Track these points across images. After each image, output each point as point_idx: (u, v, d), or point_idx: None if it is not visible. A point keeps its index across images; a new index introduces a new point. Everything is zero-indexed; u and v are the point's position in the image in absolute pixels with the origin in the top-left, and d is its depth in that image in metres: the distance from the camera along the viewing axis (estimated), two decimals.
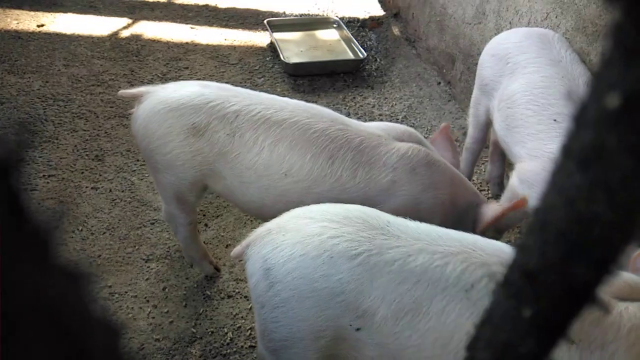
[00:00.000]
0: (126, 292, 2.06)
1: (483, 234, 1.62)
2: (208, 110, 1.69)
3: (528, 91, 1.87)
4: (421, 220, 1.36)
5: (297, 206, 1.37)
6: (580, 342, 1.04)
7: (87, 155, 2.65)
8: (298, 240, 1.19)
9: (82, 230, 2.28)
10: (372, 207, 1.48)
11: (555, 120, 1.76)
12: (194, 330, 1.95)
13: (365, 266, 1.13)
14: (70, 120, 2.85)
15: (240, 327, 1.98)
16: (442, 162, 1.75)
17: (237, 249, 1.34)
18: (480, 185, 2.62)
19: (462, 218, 1.74)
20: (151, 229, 2.30)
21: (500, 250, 1.18)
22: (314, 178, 1.66)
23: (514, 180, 1.88)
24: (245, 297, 2.07)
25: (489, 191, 2.56)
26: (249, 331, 1.96)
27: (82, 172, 2.56)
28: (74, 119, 2.86)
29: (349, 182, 1.66)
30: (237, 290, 2.10)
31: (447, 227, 1.67)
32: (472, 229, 1.70)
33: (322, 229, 1.19)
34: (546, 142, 1.76)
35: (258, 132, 1.67)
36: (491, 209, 1.72)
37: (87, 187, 2.48)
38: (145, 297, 2.04)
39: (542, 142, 1.77)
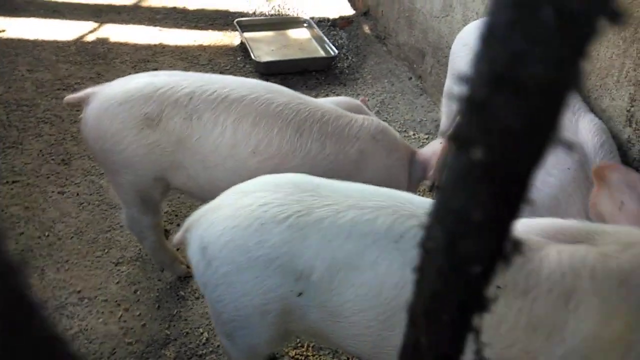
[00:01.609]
0: (96, 297, 1.98)
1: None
2: (159, 98, 1.61)
3: None
4: (394, 186, 1.36)
5: None
6: (505, 287, 1.06)
7: (53, 159, 2.57)
8: (230, 214, 1.18)
9: (48, 235, 2.20)
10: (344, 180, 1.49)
11: None
12: (168, 332, 1.89)
13: (295, 227, 1.13)
14: (35, 125, 2.77)
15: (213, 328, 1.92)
16: (389, 127, 1.83)
17: (177, 235, 1.32)
18: None
19: (411, 171, 1.82)
20: (121, 232, 2.23)
21: (429, 203, 1.15)
22: (284, 153, 1.62)
23: None
24: None
25: None
26: None
27: (48, 177, 2.47)
28: (38, 123, 2.78)
29: (318, 154, 1.64)
30: None
31: (409, 184, 1.82)
32: (422, 177, 1.82)
33: (252, 200, 1.19)
34: None
35: (217, 111, 1.60)
36: (430, 148, 1.82)
37: (53, 191, 2.40)
38: (116, 301, 1.98)
39: None
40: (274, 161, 1.62)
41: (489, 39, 0.21)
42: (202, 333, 1.89)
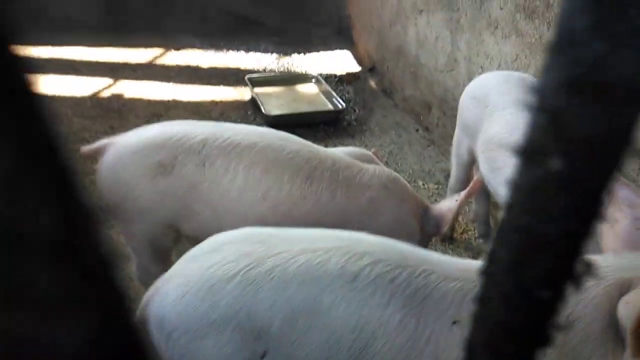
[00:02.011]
0: None
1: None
2: (172, 145, 1.63)
3: (508, 133, 1.90)
4: (404, 237, 1.35)
5: None
6: (460, 322, 1.05)
7: None
8: (181, 282, 1.15)
9: None
10: (355, 230, 1.48)
11: None
12: None
13: (245, 282, 1.10)
14: None
15: None
16: (401, 178, 1.83)
17: (137, 313, 1.26)
18: (467, 226, 2.61)
19: (424, 225, 1.80)
20: (130, 284, 2.19)
21: (384, 241, 1.18)
22: (294, 200, 1.62)
23: None
24: None
25: (475, 231, 2.55)
26: None
27: None
28: None
29: (329, 202, 1.64)
30: None
31: (420, 238, 1.80)
32: (435, 232, 1.80)
33: (200, 263, 1.16)
34: None
35: (230, 157, 1.61)
36: (446, 204, 1.79)
37: None
38: None
39: None
40: (284, 207, 1.62)
41: (564, 45, 0.21)
42: None
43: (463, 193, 1.76)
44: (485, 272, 0.34)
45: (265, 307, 1.09)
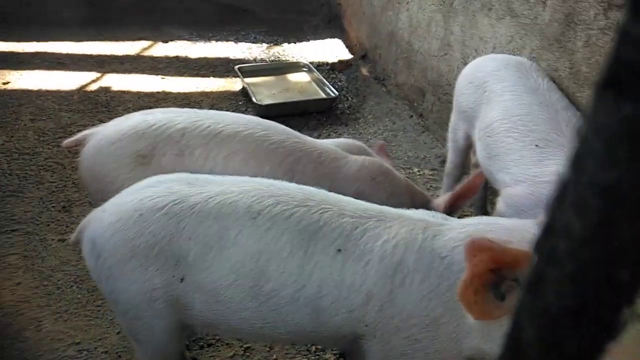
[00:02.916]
0: (96, 348, 1.88)
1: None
2: (151, 135, 1.59)
3: (506, 119, 1.86)
4: None
5: None
6: (345, 250, 1.22)
7: (53, 207, 2.52)
8: (115, 210, 1.31)
9: (47, 285, 2.12)
10: None
11: (537, 145, 1.75)
12: None
13: (171, 214, 1.26)
14: (35, 173, 2.74)
15: None
16: (394, 170, 1.80)
17: (72, 237, 1.42)
18: (463, 211, 2.58)
19: None
20: None
21: (293, 187, 1.34)
22: None
23: (501, 206, 1.85)
24: (227, 344, 1.92)
25: (472, 215, 2.51)
26: None
27: (48, 225, 2.42)
28: (39, 171, 2.75)
29: None
30: (217, 338, 1.95)
31: None
32: None
33: (134, 196, 1.31)
34: (530, 167, 1.74)
35: (209, 146, 1.57)
36: (443, 198, 1.78)
37: (53, 239, 2.34)
38: (117, 352, 1.87)
39: (527, 166, 1.76)
40: None
41: None
42: None
43: (461, 185, 1.70)
44: (541, 249, 0.28)
45: (186, 237, 1.25)
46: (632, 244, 0.25)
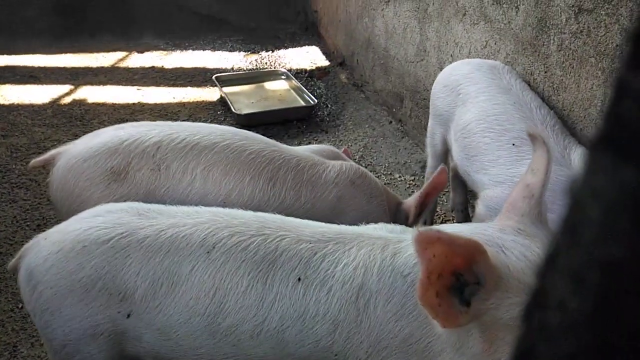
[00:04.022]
0: None
1: (416, 223, 1.77)
2: (124, 150, 1.55)
3: (482, 119, 1.88)
4: None
5: None
6: (306, 279, 1.17)
7: (27, 225, 2.45)
8: (57, 239, 1.23)
9: (22, 307, 2.05)
10: None
11: (513, 144, 1.77)
12: None
13: (117, 248, 1.19)
14: (9, 190, 2.66)
15: None
16: (369, 173, 1.81)
17: (11, 263, 1.34)
18: (445, 215, 2.59)
19: (396, 220, 1.78)
20: None
21: (250, 215, 1.29)
22: (257, 203, 1.56)
23: (480, 209, 1.86)
24: None
25: (454, 220, 2.53)
26: None
27: (22, 244, 2.33)
28: (12, 189, 2.67)
29: (294, 203, 1.60)
30: None
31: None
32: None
33: (80, 225, 1.24)
34: (509, 167, 1.76)
35: (186, 160, 1.54)
36: (414, 197, 1.80)
37: None
38: None
39: (505, 167, 1.77)
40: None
41: None
42: None
43: (427, 184, 1.73)
44: (530, 320, 0.25)
45: (132, 273, 1.18)
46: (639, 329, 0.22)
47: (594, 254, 0.24)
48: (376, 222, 1.71)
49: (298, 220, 1.32)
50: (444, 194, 2.69)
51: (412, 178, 2.85)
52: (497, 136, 1.81)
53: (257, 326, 1.17)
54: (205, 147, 1.57)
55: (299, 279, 1.17)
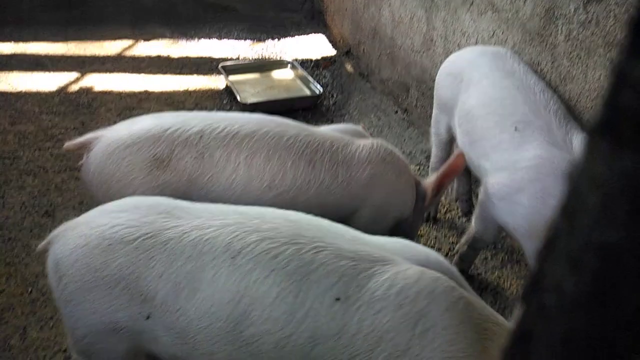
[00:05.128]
0: None
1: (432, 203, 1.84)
2: (168, 138, 1.59)
3: (486, 104, 1.88)
4: (402, 207, 1.60)
5: None
6: (347, 299, 1.11)
7: (36, 212, 2.48)
8: (84, 232, 1.23)
9: (31, 292, 2.09)
10: (356, 206, 1.67)
11: (516, 128, 1.76)
12: None
13: (141, 249, 1.18)
14: (17, 177, 2.69)
15: None
16: (396, 150, 1.86)
17: (40, 245, 1.35)
18: (449, 205, 2.60)
19: (418, 197, 1.85)
20: None
21: (281, 219, 1.24)
22: (299, 186, 1.61)
23: (483, 196, 1.86)
24: None
25: (459, 209, 2.54)
26: None
27: (31, 230, 2.38)
28: (21, 175, 2.70)
29: (332, 183, 1.65)
30: None
31: (413, 208, 1.85)
32: (423, 205, 1.86)
33: (107, 220, 1.24)
34: (511, 152, 1.76)
35: (229, 148, 1.59)
36: (431, 178, 1.85)
37: (36, 245, 2.28)
38: None
39: (506, 152, 1.77)
40: (290, 194, 1.61)
41: None
42: None
43: (444, 167, 1.78)
44: (529, 301, 0.26)
45: (155, 276, 1.16)
46: (634, 312, 0.23)
47: (591, 239, 0.25)
48: (403, 196, 1.77)
49: (333, 225, 1.27)
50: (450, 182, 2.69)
51: (417, 168, 2.86)
52: (500, 120, 1.81)
53: (283, 339, 1.12)
54: (246, 135, 1.62)
55: (337, 299, 1.11)
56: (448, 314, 1.09)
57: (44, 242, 1.34)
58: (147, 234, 1.19)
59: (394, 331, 1.09)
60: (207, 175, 1.58)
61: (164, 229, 1.20)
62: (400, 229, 1.80)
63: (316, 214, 1.35)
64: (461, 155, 1.76)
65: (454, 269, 1.26)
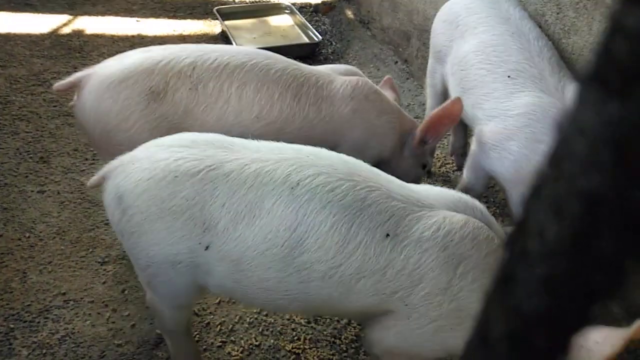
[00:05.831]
0: (82, 298, 1.91)
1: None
2: (161, 71, 1.59)
3: (480, 50, 1.84)
4: (378, 147, 1.68)
5: None
6: (395, 236, 1.19)
7: (30, 157, 2.47)
8: (146, 166, 1.26)
9: (29, 237, 2.11)
10: (336, 140, 1.71)
11: (509, 76, 1.73)
12: (159, 332, 1.83)
13: (205, 180, 1.22)
14: (10, 122, 2.66)
15: (208, 323, 1.87)
16: (383, 93, 1.88)
17: (93, 179, 1.38)
18: (445, 159, 2.59)
19: (406, 142, 1.87)
20: (105, 230, 2.15)
21: (336, 157, 1.30)
22: (285, 118, 1.64)
23: (474, 146, 1.86)
24: None
25: (454, 163, 2.53)
26: (219, 327, 1.86)
27: (27, 176, 2.38)
28: (14, 121, 2.67)
29: (315, 117, 1.68)
30: None
31: (397, 152, 1.88)
32: (411, 150, 1.88)
33: (168, 154, 1.26)
34: (502, 100, 1.74)
35: (221, 79, 1.60)
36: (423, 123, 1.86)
37: (32, 191, 2.31)
38: (104, 302, 1.91)
39: (499, 100, 1.75)
40: (276, 126, 1.64)
41: None
42: (194, 332, 1.84)
43: (437, 109, 1.76)
44: (512, 246, 0.28)
45: (217, 205, 1.21)
46: (613, 257, 0.24)
47: (575, 185, 0.26)
48: (380, 136, 1.78)
49: (382, 173, 1.34)
50: (445, 137, 2.67)
51: (415, 120, 2.83)
52: (493, 68, 1.78)
53: (332, 269, 1.19)
54: (236, 66, 1.63)
55: (387, 235, 1.18)
56: (488, 259, 1.18)
57: (96, 177, 1.35)
58: (209, 166, 1.23)
59: (437, 270, 1.17)
60: (201, 106, 1.60)
61: (226, 161, 1.24)
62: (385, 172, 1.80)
63: None
64: (458, 100, 1.71)
65: (493, 219, 1.35)
